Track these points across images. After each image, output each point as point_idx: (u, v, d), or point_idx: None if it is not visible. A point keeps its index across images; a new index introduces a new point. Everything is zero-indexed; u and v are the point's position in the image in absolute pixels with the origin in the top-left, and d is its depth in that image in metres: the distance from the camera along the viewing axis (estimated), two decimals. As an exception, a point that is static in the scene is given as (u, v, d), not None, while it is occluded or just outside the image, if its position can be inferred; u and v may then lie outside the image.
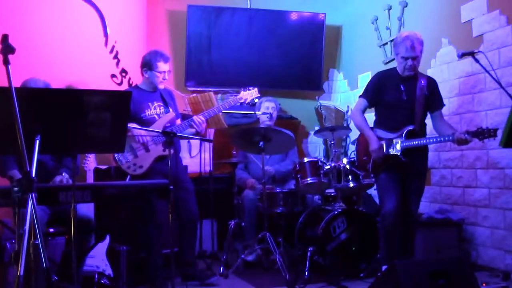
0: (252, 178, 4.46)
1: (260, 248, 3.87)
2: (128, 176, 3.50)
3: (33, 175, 1.79)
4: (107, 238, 3.34)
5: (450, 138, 3.31)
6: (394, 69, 3.63)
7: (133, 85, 4.21)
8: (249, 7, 5.64)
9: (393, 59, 4.07)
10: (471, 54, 3.22)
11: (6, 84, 1.83)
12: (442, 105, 3.62)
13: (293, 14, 5.70)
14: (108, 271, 3.22)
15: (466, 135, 3.23)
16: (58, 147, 2.44)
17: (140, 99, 3.58)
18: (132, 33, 4.64)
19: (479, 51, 3.25)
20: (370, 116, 3.72)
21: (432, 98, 3.55)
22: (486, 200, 3.89)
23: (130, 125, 3.31)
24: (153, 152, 3.52)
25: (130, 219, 3.61)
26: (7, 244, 3.05)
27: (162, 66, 3.61)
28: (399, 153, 3.43)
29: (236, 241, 4.20)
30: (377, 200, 3.99)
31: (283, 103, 5.61)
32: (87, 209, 3.51)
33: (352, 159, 3.91)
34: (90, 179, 3.71)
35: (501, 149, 3.53)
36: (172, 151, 3.13)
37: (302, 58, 5.71)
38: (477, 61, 3.19)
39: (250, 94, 3.88)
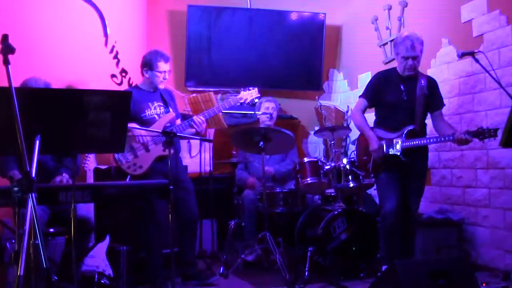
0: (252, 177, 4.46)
1: (260, 248, 3.87)
2: (128, 176, 3.50)
3: (33, 175, 1.79)
4: (107, 238, 3.34)
5: (450, 138, 3.31)
6: (394, 69, 3.63)
7: (133, 85, 4.20)
8: (249, 7, 5.64)
9: (393, 59, 4.07)
10: (471, 54, 3.22)
11: (6, 84, 1.83)
12: (442, 105, 3.62)
13: (293, 14, 5.70)
14: (108, 271, 3.22)
15: (466, 135, 3.23)
16: (58, 147, 2.44)
17: (140, 99, 3.58)
18: (132, 33, 4.64)
19: (479, 51, 3.25)
20: (370, 116, 3.72)
21: (432, 98, 3.55)
22: (486, 200, 3.89)
23: (130, 125, 3.31)
24: (153, 152, 3.52)
25: (130, 219, 3.61)
26: (7, 244, 3.05)
27: (163, 66, 3.61)
28: (399, 153, 3.43)
29: (236, 241, 4.20)
30: (377, 200, 3.99)
31: (283, 103, 5.61)
32: (86, 209, 3.51)
33: (352, 159, 3.91)
34: (90, 179, 3.71)
35: (501, 149, 3.52)
36: (172, 151, 3.13)
37: (302, 58, 5.71)
38: (477, 61, 3.19)
39: (250, 94, 3.88)
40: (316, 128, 5.65)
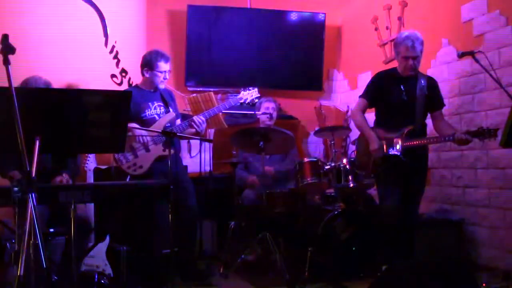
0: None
1: (260, 248, 3.86)
2: (128, 176, 3.50)
3: (33, 175, 1.79)
4: (107, 238, 3.33)
5: (451, 138, 3.31)
6: (395, 69, 3.63)
7: (133, 85, 4.21)
8: (249, 7, 5.64)
9: (393, 59, 4.07)
10: (471, 54, 3.22)
11: (6, 84, 1.83)
12: (443, 105, 3.62)
13: (293, 14, 5.70)
14: (108, 271, 3.22)
15: (466, 135, 3.23)
16: (58, 147, 2.44)
17: (140, 99, 3.59)
18: (132, 33, 4.64)
19: (479, 51, 3.25)
20: (370, 116, 3.72)
21: (432, 98, 3.55)
22: (486, 200, 3.89)
23: (131, 125, 3.31)
24: (153, 152, 3.52)
25: (130, 219, 3.61)
26: (7, 244, 3.05)
27: (163, 65, 3.61)
28: (399, 153, 3.43)
29: (236, 241, 4.20)
30: (377, 200, 3.99)
31: (283, 103, 5.60)
32: (85, 209, 3.50)
33: (352, 159, 3.91)
34: (90, 179, 3.71)
35: (501, 149, 3.52)
36: (172, 151, 3.14)
37: (302, 58, 5.71)
38: (477, 61, 3.19)
39: (250, 94, 3.88)
40: (316, 128, 5.65)
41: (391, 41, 4.90)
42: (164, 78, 3.65)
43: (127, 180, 3.48)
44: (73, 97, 2.39)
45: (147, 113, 3.59)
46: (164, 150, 3.45)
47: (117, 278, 3.22)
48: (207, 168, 4.68)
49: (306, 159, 4.12)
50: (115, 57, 4.32)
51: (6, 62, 1.84)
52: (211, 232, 4.61)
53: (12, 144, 1.76)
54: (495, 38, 3.80)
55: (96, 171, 3.91)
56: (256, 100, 4.39)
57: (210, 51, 5.46)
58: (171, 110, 3.68)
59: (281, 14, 5.67)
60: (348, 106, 5.61)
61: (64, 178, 3.28)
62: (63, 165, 3.37)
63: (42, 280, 1.83)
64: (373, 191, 4.41)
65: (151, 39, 4.94)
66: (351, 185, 3.90)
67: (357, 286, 3.47)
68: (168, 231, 3.05)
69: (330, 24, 5.84)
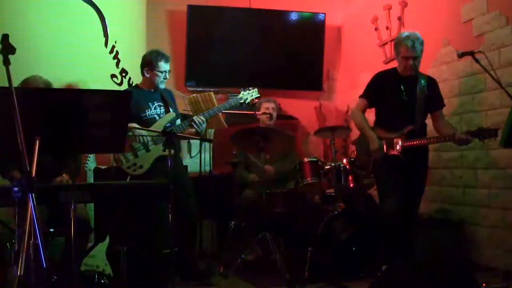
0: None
1: (260, 248, 3.86)
2: (128, 176, 3.50)
3: (33, 175, 1.79)
4: (107, 238, 3.33)
5: (451, 138, 3.31)
6: (395, 69, 3.63)
7: (133, 85, 4.21)
8: (249, 7, 5.64)
9: (393, 59, 4.07)
10: (471, 54, 3.22)
11: (6, 84, 1.83)
12: (443, 105, 3.62)
13: (293, 14, 5.70)
14: (108, 271, 3.22)
15: (466, 135, 3.23)
16: (58, 147, 2.44)
17: (141, 99, 3.58)
18: (132, 33, 4.64)
19: (479, 51, 3.25)
20: (370, 116, 3.72)
21: (433, 98, 3.55)
22: (486, 200, 3.89)
23: (131, 125, 3.31)
24: (154, 152, 3.52)
25: (130, 219, 3.61)
26: (7, 244, 3.05)
27: (163, 65, 3.61)
28: (399, 153, 3.43)
29: (236, 241, 4.20)
30: (377, 200, 3.99)
31: (283, 103, 5.60)
32: (85, 210, 3.50)
33: (352, 159, 3.91)
34: (90, 179, 3.70)
35: (501, 149, 3.52)
36: (172, 151, 3.14)
37: (302, 58, 5.71)
38: (477, 61, 3.20)
39: (250, 94, 3.88)
40: (316, 128, 5.65)
41: (391, 41, 4.90)
42: (165, 78, 3.65)
43: (127, 180, 3.48)
44: (73, 97, 2.39)
45: (147, 113, 3.59)
46: (164, 150, 3.45)
47: (117, 278, 3.22)
48: (207, 168, 4.68)
49: (306, 159, 4.12)
50: (115, 57, 4.32)
51: (6, 62, 1.84)
52: (211, 232, 4.61)
53: (12, 144, 1.76)
54: (495, 38, 3.80)
55: (96, 171, 3.91)
56: (256, 100, 4.39)
57: (210, 51, 5.46)
58: (171, 110, 3.69)
59: (281, 14, 5.68)
60: (348, 106, 5.61)
61: (64, 178, 3.27)
62: (63, 165, 3.37)
63: (42, 280, 1.83)
64: (373, 191, 4.42)
65: (151, 39, 4.94)
66: (351, 185, 3.90)
67: (357, 286, 3.47)
68: (168, 231, 3.05)
69: (330, 24, 5.84)
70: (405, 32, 3.51)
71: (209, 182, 4.54)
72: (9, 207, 2.71)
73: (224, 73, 5.51)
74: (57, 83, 3.54)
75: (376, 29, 5.28)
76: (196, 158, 4.87)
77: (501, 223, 3.75)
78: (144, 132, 3.47)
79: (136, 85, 3.83)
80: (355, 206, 4.09)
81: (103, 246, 3.30)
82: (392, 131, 3.51)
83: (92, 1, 4.15)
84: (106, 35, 4.24)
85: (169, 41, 5.44)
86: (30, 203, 1.73)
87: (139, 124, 3.46)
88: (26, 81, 3.25)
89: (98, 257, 3.24)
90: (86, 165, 3.61)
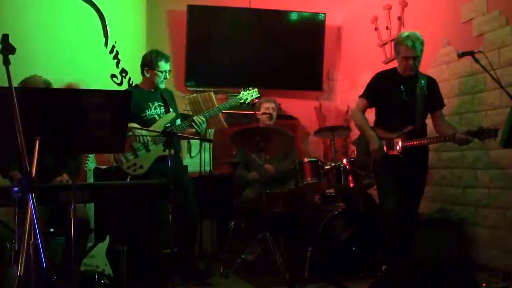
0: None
1: (260, 248, 3.86)
2: (128, 176, 3.50)
3: (33, 175, 1.79)
4: (107, 238, 3.33)
5: (451, 138, 3.31)
6: (395, 69, 3.63)
7: (133, 85, 4.21)
8: (249, 7, 5.64)
9: (393, 59, 4.07)
10: (471, 54, 3.22)
11: (6, 84, 1.83)
12: (443, 105, 3.62)
13: (293, 14, 5.70)
14: (108, 271, 3.22)
15: (466, 135, 3.23)
16: (58, 147, 2.44)
17: (141, 99, 3.58)
18: (132, 33, 4.64)
19: (479, 51, 3.25)
20: (370, 116, 3.72)
21: (433, 98, 3.55)
22: (486, 200, 3.89)
23: (131, 125, 3.31)
24: (154, 152, 3.52)
25: (130, 219, 3.61)
26: (7, 244, 3.05)
27: (163, 65, 3.61)
28: (399, 153, 3.43)
29: (236, 241, 4.20)
30: (377, 200, 3.99)
31: (283, 103, 5.60)
32: (85, 209, 3.51)
33: (352, 159, 3.91)
34: (90, 179, 3.71)
35: (501, 149, 3.52)
36: (172, 151, 3.14)
37: (302, 58, 5.71)
38: (477, 61, 3.19)
39: (250, 94, 3.88)
40: (316, 128, 5.65)
41: (391, 41, 4.90)
42: (165, 78, 3.66)
43: (127, 180, 3.48)
44: (73, 97, 2.39)
45: (147, 113, 3.59)
46: (164, 150, 3.45)
47: (117, 278, 3.22)
48: (207, 168, 4.68)
49: (306, 159, 4.12)
50: (115, 57, 4.32)
51: (6, 62, 1.84)
52: (211, 232, 4.61)
53: (12, 144, 1.76)
54: (495, 38, 3.80)
55: (96, 171, 3.91)
56: (256, 100, 4.39)
57: (210, 51, 5.46)
58: (171, 110, 3.69)
59: (281, 14, 5.67)
60: (348, 106, 5.61)
61: (64, 178, 3.28)
62: (63, 165, 3.37)
63: (42, 280, 1.83)
64: (373, 191, 4.42)
65: (151, 39, 4.94)
66: (351, 185, 3.90)
67: (357, 286, 3.47)
68: (168, 231, 3.05)
69: (330, 24, 5.84)
70: (405, 32, 3.51)
71: (209, 182, 4.54)
72: (9, 207, 2.71)
73: (224, 73, 5.51)
74: (57, 83, 3.54)
75: (376, 29, 5.28)
76: (196, 158, 4.87)
77: (501, 223, 3.75)
78: (144, 132, 3.47)
79: (136, 85, 3.84)
80: (355, 206, 4.09)
81: (103, 246, 3.30)
82: (392, 131, 3.51)
83: (92, 1, 4.15)
84: (106, 35, 4.25)
85: (169, 41, 5.43)
86: (30, 203, 1.73)
87: (139, 124, 3.45)
88: (25, 81, 3.25)
89: (98, 257, 3.24)
90: (86, 165, 3.61)
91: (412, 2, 4.80)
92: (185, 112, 4.22)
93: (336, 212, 3.75)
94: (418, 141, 3.42)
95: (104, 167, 4.00)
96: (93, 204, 3.67)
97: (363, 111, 3.66)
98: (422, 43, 3.44)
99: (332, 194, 4.17)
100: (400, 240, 3.46)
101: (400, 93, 3.51)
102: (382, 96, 3.59)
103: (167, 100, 3.71)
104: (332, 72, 6.05)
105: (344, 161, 3.94)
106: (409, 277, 2.51)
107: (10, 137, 1.80)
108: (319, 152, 5.91)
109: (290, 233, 4.07)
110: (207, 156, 4.79)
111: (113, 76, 4.30)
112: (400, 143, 3.44)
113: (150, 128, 3.48)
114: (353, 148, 3.91)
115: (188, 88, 5.37)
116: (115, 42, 4.30)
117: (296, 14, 5.70)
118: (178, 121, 3.70)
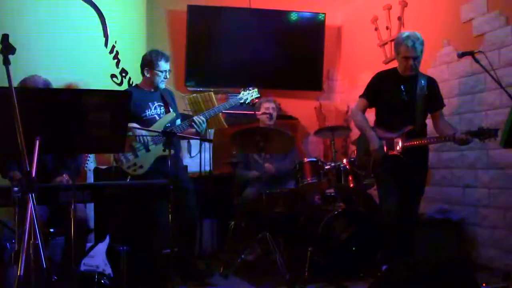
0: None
1: (260, 248, 3.86)
2: (128, 176, 3.50)
3: (33, 175, 1.79)
4: (107, 238, 3.33)
5: (451, 138, 3.31)
6: (395, 69, 3.63)
7: (133, 85, 4.21)
8: (249, 7, 5.63)
9: (393, 59, 4.07)
10: (471, 54, 3.22)
11: (6, 84, 1.83)
12: (443, 105, 3.62)
13: (293, 14, 5.70)
14: (108, 271, 3.21)
15: (467, 135, 3.23)
16: (58, 147, 2.44)
17: (141, 99, 3.58)
18: (132, 33, 4.64)
19: (479, 51, 3.25)
20: (370, 116, 3.71)
21: (433, 98, 3.55)
22: (486, 200, 3.89)
23: (131, 125, 3.31)
24: (154, 152, 3.52)
25: (130, 219, 3.61)
26: (7, 244, 3.05)
27: (163, 65, 3.61)
28: (399, 153, 3.43)
29: (236, 241, 4.20)
30: (377, 200, 3.99)
31: (283, 103, 5.60)
32: (84, 210, 3.51)
33: (352, 159, 3.90)
34: (90, 179, 3.71)
35: (501, 149, 3.52)
36: (172, 151, 3.14)
37: (302, 58, 5.71)
38: (477, 61, 3.19)
39: (250, 94, 3.88)
40: (316, 128, 5.65)
41: (391, 41, 4.90)
42: (165, 78, 3.66)
43: (127, 180, 3.48)
44: (73, 97, 2.39)
45: (147, 113, 3.59)
46: (164, 150, 3.45)
47: (117, 278, 3.22)
48: (207, 168, 4.68)
49: (306, 159, 4.12)
50: (115, 57, 4.32)
51: (6, 62, 1.84)
52: (211, 232, 4.61)
53: (12, 144, 1.76)
54: (495, 38, 3.80)
55: (96, 171, 3.91)
56: (256, 100, 4.39)
57: (210, 51, 5.46)
58: (171, 110, 3.69)
59: (281, 14, 5.67)
60: (348, 106, 5.61)
61: (64, 178, 3.27)
62: (63, 165, 3.37)
63: (42, 280, 1.83)
64: (373, 191, 4.42)
65: (151, 39, 4.94)
66: (351, 185, 3.90)
67: (357, 286, 3.47)
68: (168, 231, 3.05)
69: (330, 24, 5.84)
70: (406, 32, 3.51)
71: (209, 182, 4.54)
72: (9, 207, 2.71)
73: (224, 73, 5.51)
74: (57, 83, 3.54)
75: (376, 29, 5.28)
76: (196, 158, 4.87)
77: (501, 223, 3.75)
78: (144, 132, 3.47)
79: (136, 85, 3.83)
80: (355, 206, 4.09)
81: (103, 246, 3.29)
82: (392, 131, 3.51)
83: (92, 1, 4.15)
84: (106, 35, 4.24)
85: (169, 41, 5.43)
86: (30, 203, 1.73)
87: (139, 124, 3.46)
88: (25, 81, 3.25)
89: (98, 257, 3.24)
90: (86, 165, 3.61)
91: (412, 2, 4.80)
92: (185, 112, 4.22)
93: (336, 212, 3.75)
94: (418, 141, 3.42)
95: (104, 167, 3.99)
96: (93, 204, 3.67)
97: (363, 111, 3.66)
98: (422, 43, 3.44)
99: (332, 194, 4.17)
100: (400, 240, 3.46)
101: (400, 93, 3.51)
102: (382, 96, 3.59)
103: (167, 100, 3.71)
104: (332, 72, 6.05)
105: (344, 161, 3.94)
106: (409, 277, 2.51)
107: (10, 137, 1.80)
108: (319, 152, 5.91)
109: (290, 233, 4.07)
110: (207, 156, 4.79)
111: (113, 76, 4.30)
112: (400, 143, 3.44)
113: (150, 128, 3.48)
114: (353, 148, 3.91)
115: (188, 88, 5.37)
116: (115, 42, 4.30)
117: (296, 14, 5.70)
118: (178, 121, 3.70)
